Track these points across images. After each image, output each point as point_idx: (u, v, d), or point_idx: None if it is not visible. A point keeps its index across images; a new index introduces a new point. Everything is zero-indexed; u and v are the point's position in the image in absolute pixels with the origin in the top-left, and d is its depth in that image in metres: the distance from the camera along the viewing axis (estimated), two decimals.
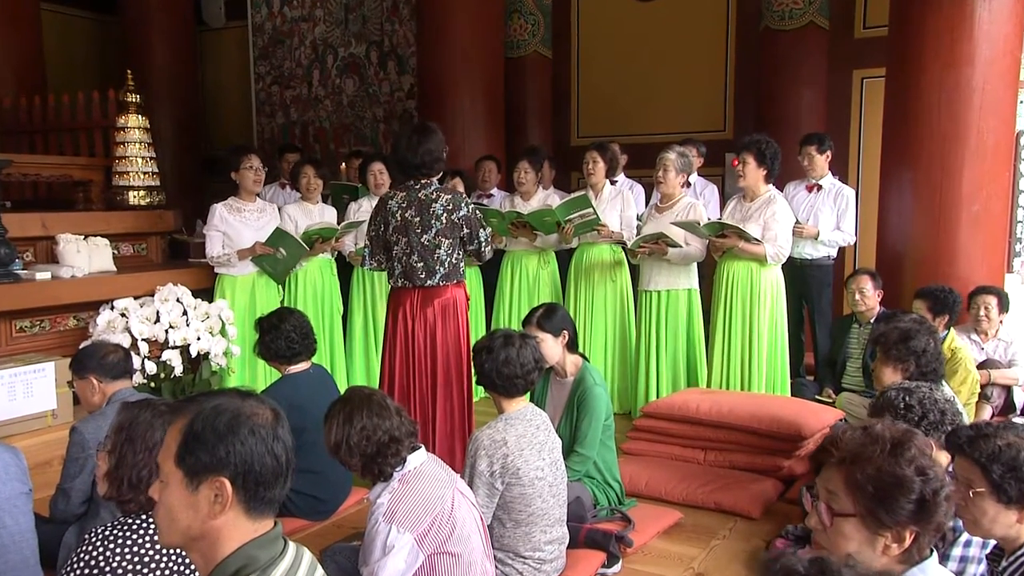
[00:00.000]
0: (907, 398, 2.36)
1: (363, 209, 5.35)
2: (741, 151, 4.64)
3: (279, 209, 5.13)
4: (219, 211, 4.77)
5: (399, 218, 3.79)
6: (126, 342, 4.08)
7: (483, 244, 3.87)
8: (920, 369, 3.00)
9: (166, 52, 8.39)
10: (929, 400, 2.35)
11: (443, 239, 3.77)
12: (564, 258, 5.59)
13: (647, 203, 6.06)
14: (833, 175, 5.47)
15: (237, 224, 4.78)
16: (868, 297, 4.79)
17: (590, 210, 4.99)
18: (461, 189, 5.57)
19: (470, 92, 6.72)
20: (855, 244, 6.16)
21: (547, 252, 5.52)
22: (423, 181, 3.80)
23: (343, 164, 7.33)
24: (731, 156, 6.04)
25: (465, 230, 3.81)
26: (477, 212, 3.88)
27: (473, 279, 5.64)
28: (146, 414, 2.07)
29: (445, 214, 3.75)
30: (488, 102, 6.87)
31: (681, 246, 4.78)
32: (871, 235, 5.74)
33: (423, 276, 3.79)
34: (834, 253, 5.47)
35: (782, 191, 5.42)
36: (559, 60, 8.10)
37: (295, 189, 5.52)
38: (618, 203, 5.23)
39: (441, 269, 3.79)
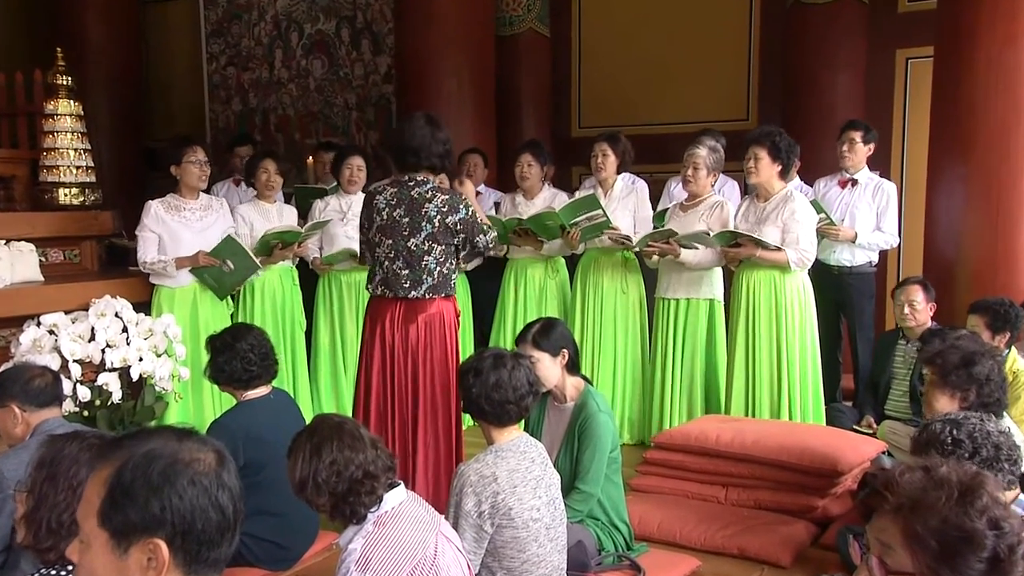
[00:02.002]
0: (955, 431, 2.34)
1: (330, 207, 5.36)
2: (751, 144, 4.66)
3: (231, 211, 5.12)
4: (154, 209, 4.75)
5: (385, 216, 3.81)
6: (55, 364, 4.05)
7: (483, 249, 3.94)
8: (981, 399, 3.00)
9: (103, 27, 8.39)
10: (981, 433, 2.34)
11: (434, 244, 3.78)
12: (568, 265, 5.62)
13: (652, 201, 6.09)
14: (871, 170, 5.50)
15: (175, 225, 4.75)
16: (919, 311, 4.78)
17: (599, 211, 5.00)
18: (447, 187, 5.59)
19: (456, 75, 6.74)
20: (898, 250, 6.17)
21: (555, 259, 5.54)
22: (419, 178, 3.82)
23: (310, 158, 7.34)
24: None
25: (462, 236, 3.82)
26: (477, 215, 3.89)
27: (460, 290, 5.64)
28: (72, 447, 2.06)
29: (439, 216, 3.76)
30: (477, 87, 6.89)
31: (696, 247, 4.80)
32: (917, 239, 5.77)
33: (407, 286, 3.79)
34: (876, 258, 5.51)
35: (811, 188, 5.46)
36: (558, 39, 8.14)
37: (251, 186, 5.51)
38: (631, 201, 5.26)
39: (429, 279, 3.79)
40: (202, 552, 1.34)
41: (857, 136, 5.40)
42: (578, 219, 5.05)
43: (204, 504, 1.34)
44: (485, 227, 3.89)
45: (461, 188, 4.13)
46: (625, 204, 5.25)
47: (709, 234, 4.69)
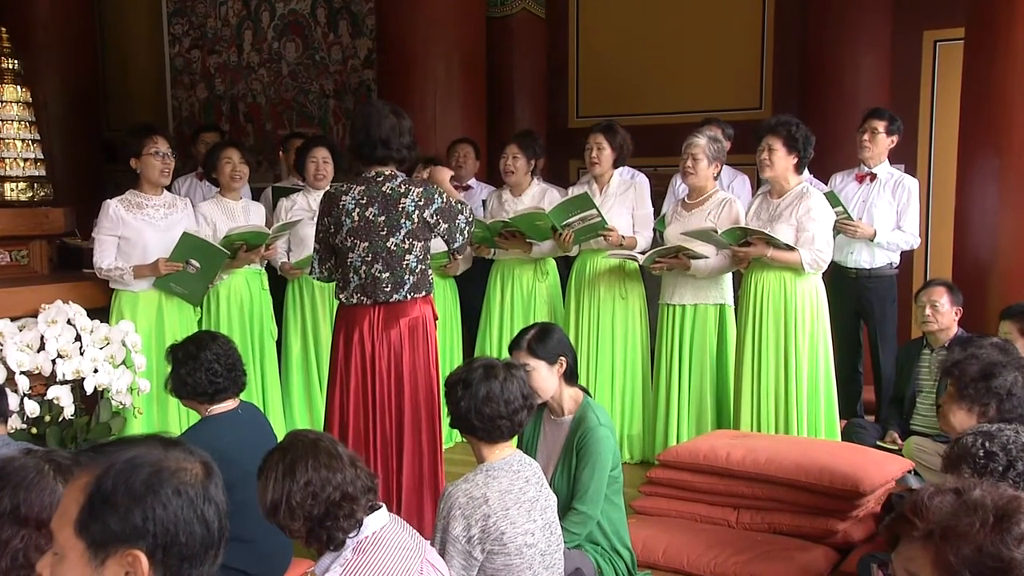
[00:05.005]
0: (987, 443, 2.37)
1: (297, 206, 5.36)
2: (765, 135, 4.70)
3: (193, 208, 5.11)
4: (112, 208, 4.72)
5: (356, 218, 3.82)
6: (0, 376, 4.06)
7: (464, 232, 3.97)
8: (1003, 415, 3.01)
9: (53, 4, 8.37)
10: (1016, 445, 2.36)
11: (415, 242, 3.82)
12: (562, 268, 5.64)
13: (654, 198, 6.11)
14: (894, 162, 5.52)
15: (137, 224, 4.72)
16: (941, 313, 4.81)
17: (593, 211, 5.02)
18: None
19: (444, 60, 6.76)
20: (925, 251, 6.20)
21: (545, 261, 5.56)
22: (387, 172, 3.84)
23: (281, 150, 7.34)
24: None
25: (443, 225, 3.86)
26: (451, 200, 3.93)
27: (448, 294, 5.67)
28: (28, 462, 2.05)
29: (417, 211, 3.79)
30: (466, 72, 6.90)
31: (706, 256, 4.82)
32: (946, 239, 5.80)
33: (388, 290, 3.81)
34: (896, 260, 5.53)
35: (827, 184, 5.49)
36: (555, 20, 8.17)
37: (211, 181, 5.49)
38: (628, 199, 5.27)
39: (410, 279, 3.83)
40: (184, 568, 1.37)
41: (880, 126, 5.39)
42: (570, 220, 5.05)
43: (189, 516, 1.37)
44: (460, 206, 3.97)
45: (435, 174, 4.17)
46: (622, 202, 5.25)
47: (717, 231, 4.71)
